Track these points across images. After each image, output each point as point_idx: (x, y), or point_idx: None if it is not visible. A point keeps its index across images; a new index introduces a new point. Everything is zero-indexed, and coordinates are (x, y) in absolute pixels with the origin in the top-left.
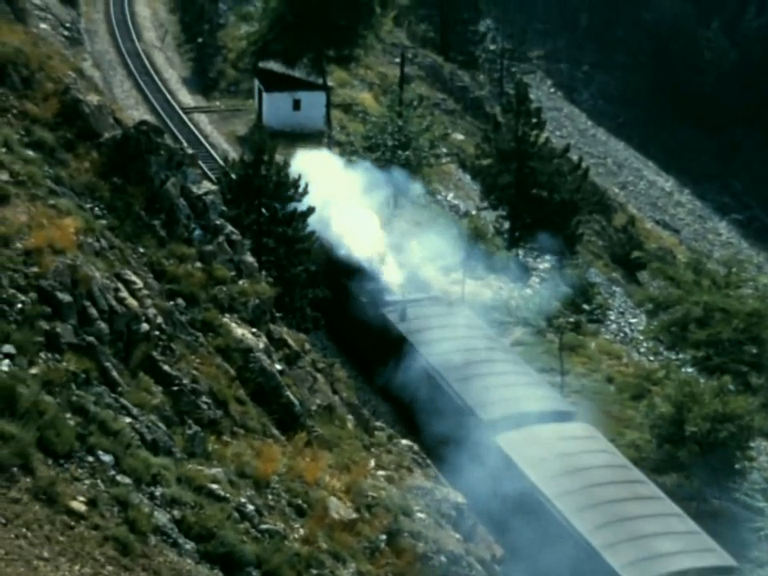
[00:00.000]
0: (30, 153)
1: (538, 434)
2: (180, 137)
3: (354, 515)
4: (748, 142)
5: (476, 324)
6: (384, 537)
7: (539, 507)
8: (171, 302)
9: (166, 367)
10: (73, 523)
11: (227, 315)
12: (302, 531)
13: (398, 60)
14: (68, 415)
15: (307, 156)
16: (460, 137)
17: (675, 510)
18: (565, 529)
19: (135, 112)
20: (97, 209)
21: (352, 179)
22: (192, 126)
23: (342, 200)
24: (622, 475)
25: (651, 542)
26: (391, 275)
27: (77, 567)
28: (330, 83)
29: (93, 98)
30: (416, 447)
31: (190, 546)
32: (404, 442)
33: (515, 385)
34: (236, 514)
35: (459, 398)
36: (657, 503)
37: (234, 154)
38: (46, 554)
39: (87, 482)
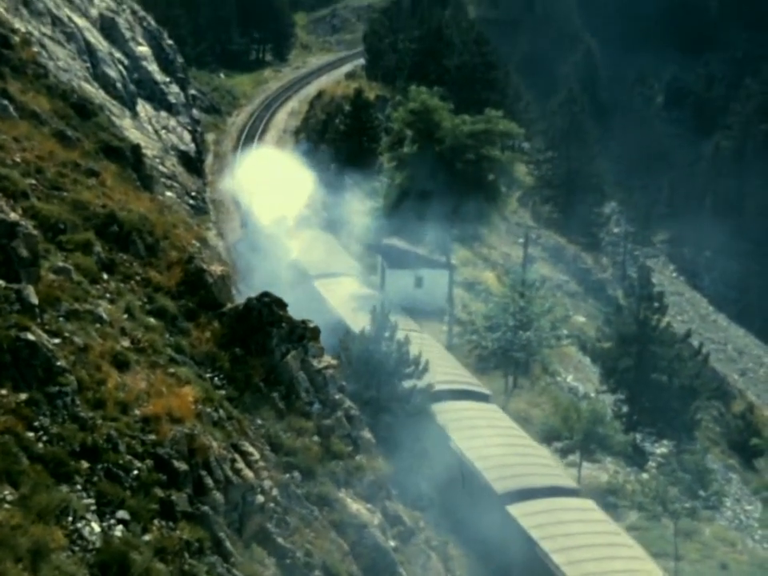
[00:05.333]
0: (152, 320)
1: None
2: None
3: None
4: None
5: None
6: None
7: None
8: (287, 475)
9: (279, 539)
10: None
11: (343, 490)
12: None
13: (521, 240)
14: None
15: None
16: (581, 319)
17: None
18: None
19: None
20: (216, 378)
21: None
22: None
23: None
24: None
25: None
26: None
27: None
28: (453, 261)
29: (216, 268)
30: None
31: None
32: None
33: None
34: None
35: None
36: None
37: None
38: None
39: None
